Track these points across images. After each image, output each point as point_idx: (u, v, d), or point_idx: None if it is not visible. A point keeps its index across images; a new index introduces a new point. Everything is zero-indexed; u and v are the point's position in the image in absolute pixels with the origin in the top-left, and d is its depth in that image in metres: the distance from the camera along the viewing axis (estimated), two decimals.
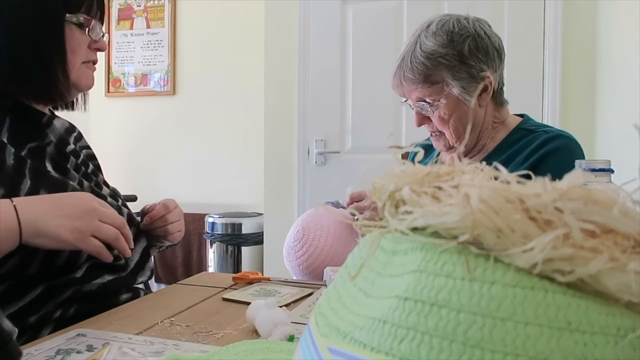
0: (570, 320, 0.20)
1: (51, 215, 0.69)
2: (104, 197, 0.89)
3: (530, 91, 2.33)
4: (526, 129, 1.07)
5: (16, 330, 0.47)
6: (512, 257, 0.21)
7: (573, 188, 0.21)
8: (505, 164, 1.02)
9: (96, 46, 0.88)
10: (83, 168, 0.91)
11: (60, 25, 0.81)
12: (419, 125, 1.09)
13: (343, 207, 1.10)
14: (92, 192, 0.86)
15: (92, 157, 1.01)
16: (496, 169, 0.24)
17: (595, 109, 2.24)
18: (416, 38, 1.04)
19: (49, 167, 0.82)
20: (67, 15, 0.82)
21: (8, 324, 0.45)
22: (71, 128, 0.97)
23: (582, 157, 1.02)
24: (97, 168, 1.02)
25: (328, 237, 1.02)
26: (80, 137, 1.00)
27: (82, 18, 0.83)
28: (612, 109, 2.03)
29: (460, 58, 1.00)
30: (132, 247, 0.80)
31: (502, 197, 0.21)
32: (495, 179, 0.24)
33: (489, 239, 0.21)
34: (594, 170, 0.70)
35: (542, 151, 1.00)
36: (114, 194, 0.99)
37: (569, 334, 0.20)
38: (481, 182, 0.22)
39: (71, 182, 0.82)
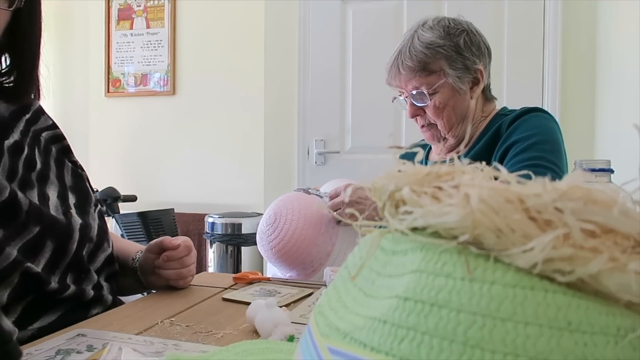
0: (570, 320, 0.20)
1: None
2: (46, 213, 0.71)
3: (530, 91, 2.33)
4: (504, 114, 1.12)
5: (16, 330, 0.47)
6: (512, 257, 0.21)
7: (573, 188, 0.21)
8: (490, 144, 1.06)
9: None
10: (21, 169, 0.72)
11: None
12: (413, 116, 1.13)
13: (318, 195, 1.12)
14: (30, 206, 0.69)
15: (58, 139, 0.84)
16: (496, 168, 0.24)
17: (595, 109, 2.24)
18: (412, 33, 1.09)
19: None
20: None
21: (8, 324, 0.45)
22: (24, 107, 0.78)
23: (559, 127, 1.07)
24: (64, 151, 0.84)
25: (299, 220, 1.03)
26: (37, 117, 0.81)
27: None
28: (612, 109, 2.03)
29: (457, 49, 1.06)
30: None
31: (502, 197, 0.21)
32: (496, 179, 0.24)
33: (489, 239, 0.21)
34: (594, 170, 0.70)
35: (520, 114, 1.06)
36: (84, 196, 0.81)
37: (569, 334, 0.20)
38: (481, 182, 0.22)
39: None
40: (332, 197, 1.07)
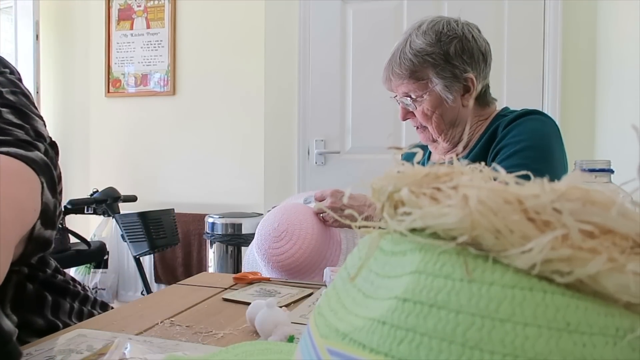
0: (569, 321, 0.20)
1: None
2: None
3: (530, 91, 2.33)
4: (503, 115, 1.11)
5: (16, 330, 0.47)
6: (511, 258, 0.21)
7: (571, 189, 0.21)
8: (488, 145, 1.05)
9: None
10: None
11: None
12: (404, 119, 1.14)
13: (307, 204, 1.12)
14: None
15: None
16: (495, 169, 0.24)
17: (595, 109, 2.24)
18: (407, 36, 1.08)
19: None
20: None
21: (8, 324, 0.45)
22: None
23: (557, 131, 1.06)
24: None
25: (313, 234, 1.02)
26: None
27: None
28: (612, 109, 2.03)
29: (446, 58, 1.05)
30: None
31: (500, 198, 0.21)
32: (494, 179, 0.24)
33: (488, 239, 0.21)
34: (593, 170, 0.70)
35: (516, 117, 1.05)
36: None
37: (568, 335, 0.20)
38: (480, 183, 0.22)
39: None
40: (317, 199, 1.08)
